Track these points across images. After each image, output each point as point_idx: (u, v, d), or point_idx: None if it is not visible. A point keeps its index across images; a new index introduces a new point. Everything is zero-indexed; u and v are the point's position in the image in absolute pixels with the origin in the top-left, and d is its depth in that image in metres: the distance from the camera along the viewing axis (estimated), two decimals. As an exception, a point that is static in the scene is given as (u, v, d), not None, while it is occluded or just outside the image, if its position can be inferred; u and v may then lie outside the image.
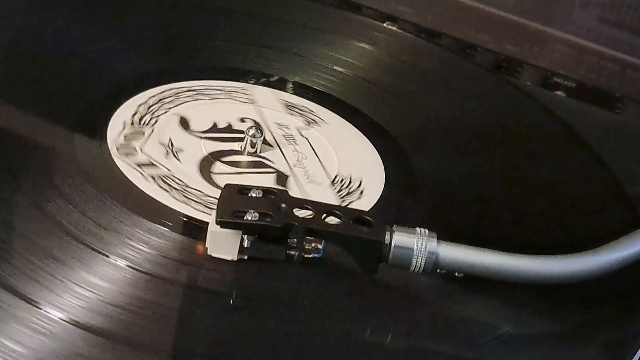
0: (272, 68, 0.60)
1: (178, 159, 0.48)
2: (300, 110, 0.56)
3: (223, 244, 0.41)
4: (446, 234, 0.42)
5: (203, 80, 0.56)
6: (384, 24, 0.71)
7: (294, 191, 0.48)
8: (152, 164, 0.47)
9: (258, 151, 0.51)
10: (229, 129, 0.52)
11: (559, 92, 0.71)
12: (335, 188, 0.50)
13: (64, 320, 0.36)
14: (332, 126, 0.56)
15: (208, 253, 0.41)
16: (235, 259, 0.41)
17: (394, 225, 0.41)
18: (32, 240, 0.40)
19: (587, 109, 0.68)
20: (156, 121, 0.51)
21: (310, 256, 0.42)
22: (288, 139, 0.53)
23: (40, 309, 0.37)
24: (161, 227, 0.43)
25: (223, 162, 0.49)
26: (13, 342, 0.35)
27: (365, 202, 0.49)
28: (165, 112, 0.52)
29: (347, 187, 0.50)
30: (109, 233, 0.42)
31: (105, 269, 0.40)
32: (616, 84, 0.72)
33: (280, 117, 0.55)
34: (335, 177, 0.51)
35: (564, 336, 0.43)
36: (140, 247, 0.41)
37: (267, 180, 0.49)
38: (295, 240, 0.41)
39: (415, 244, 0.41)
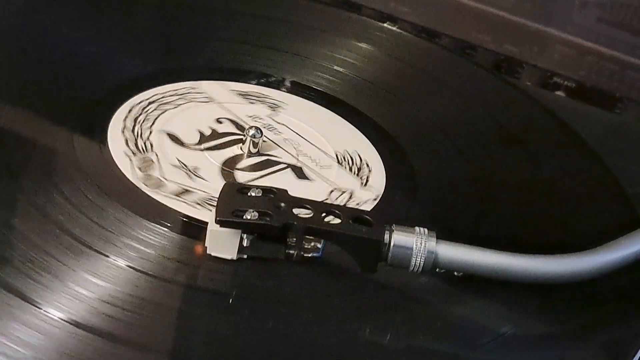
0: (271, 68, 0.60)
1: (202, 178, 0.48)
2: (257, 97, 0.56)
3: (222, 243, 0.41)
4: (446, 234, 0.42)
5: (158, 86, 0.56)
6: (384, 24, 0.71)
7: (315, 181, 0.48)
8: (187, 190, 0.47)
9: (260, 150, 0.51)
10: (215, 134, 0.52)
11: (559, 93, 0.71)
12: (345, 167, 0.50)
13: (64, 320, 0.36)
14: (294, 106, 0.56)
15: (207, 252, 0.41)
16: (235, 258, 0.41)
17: (393, 225, 0.41)
18: (32, 240, 0.40)
19: (587, 109, 0.68)
20: (152, 145, 0.50)
21: (310, 255, 0.42)
22: (270, 129, 0.53)
23: (40, 309, 0.37)
24: (161, 227, 0.43)
25: (240, 169, 0.49)
26: (13, 342, 0.35)
27: (377, 175, 0.51)
28: (150, 132, 0.51)
29: (353, 163, 0.51)
30: (108, 233, 0.42)
31: (105, 269, 0.40)
32: (616, 84, 0.72)
33: (246, 109, 0.55)
34: (337, 156, 0.51)
35: (564, 336, 0.43)
36: (140, 247, 0.41)
37: (287, 177, 0.49)
38: (295, 239, 0.41)
39: (414, 243, 0.41)
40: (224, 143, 0.51)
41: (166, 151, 0.50)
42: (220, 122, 0.53)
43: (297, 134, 0.53)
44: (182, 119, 0.53)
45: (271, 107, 0.55)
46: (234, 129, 0.53)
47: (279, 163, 0.50)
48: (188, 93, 0.55)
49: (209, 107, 0.55)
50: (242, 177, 0.49)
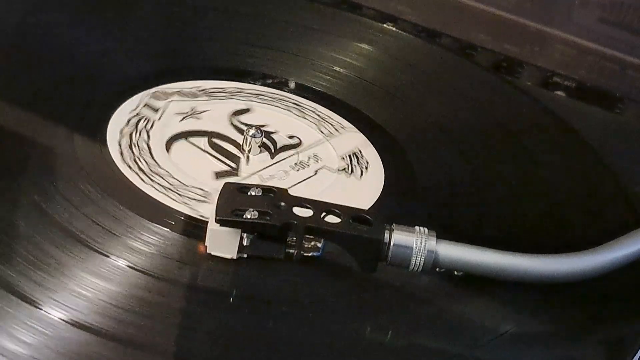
0: (271, 68, 0.60)
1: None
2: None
3: (222, 243, 0.41)
4: (446, 234, 0.42)
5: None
6: (384, 25, 0.71)
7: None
8: None
9: (261, 151, 0.51)
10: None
11: (559, 92, 0.71)
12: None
13: (64, 320, 0.36)
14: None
15: (208, 252, 0.41)
16: (235, 257, 0.41)
17: (393, 224, 0.41)
18: (33, 240, 0.40)
19: (587, 109, 0.68)
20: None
21: (310, 255, 0.42)
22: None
23: (40, 309, 0.37)
24: (161, 227, 0.43)
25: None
26: (13, 342, 0.35)
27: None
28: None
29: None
30: (109, 233, 0.42)
31: (105, 269, 0.40)
32: (616, 84, 0.72)
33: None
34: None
35: (564, 335, 0.43)
36: (140, 247, 0.41)
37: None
38: (295, 238, 0.41)
39: (414, 242, 0.41)
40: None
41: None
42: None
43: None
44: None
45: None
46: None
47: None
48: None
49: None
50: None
